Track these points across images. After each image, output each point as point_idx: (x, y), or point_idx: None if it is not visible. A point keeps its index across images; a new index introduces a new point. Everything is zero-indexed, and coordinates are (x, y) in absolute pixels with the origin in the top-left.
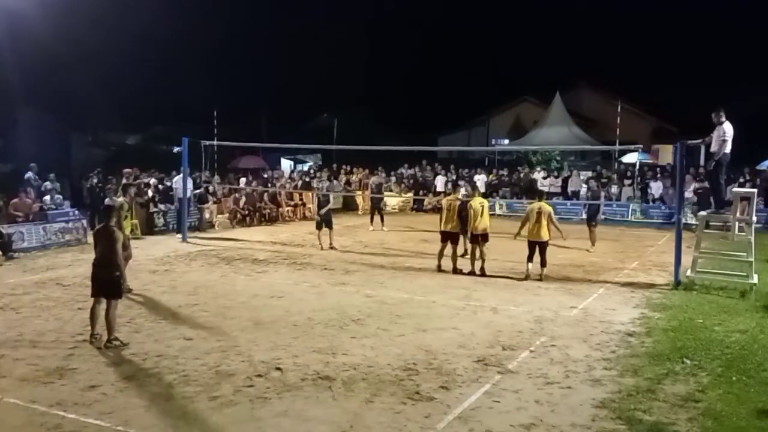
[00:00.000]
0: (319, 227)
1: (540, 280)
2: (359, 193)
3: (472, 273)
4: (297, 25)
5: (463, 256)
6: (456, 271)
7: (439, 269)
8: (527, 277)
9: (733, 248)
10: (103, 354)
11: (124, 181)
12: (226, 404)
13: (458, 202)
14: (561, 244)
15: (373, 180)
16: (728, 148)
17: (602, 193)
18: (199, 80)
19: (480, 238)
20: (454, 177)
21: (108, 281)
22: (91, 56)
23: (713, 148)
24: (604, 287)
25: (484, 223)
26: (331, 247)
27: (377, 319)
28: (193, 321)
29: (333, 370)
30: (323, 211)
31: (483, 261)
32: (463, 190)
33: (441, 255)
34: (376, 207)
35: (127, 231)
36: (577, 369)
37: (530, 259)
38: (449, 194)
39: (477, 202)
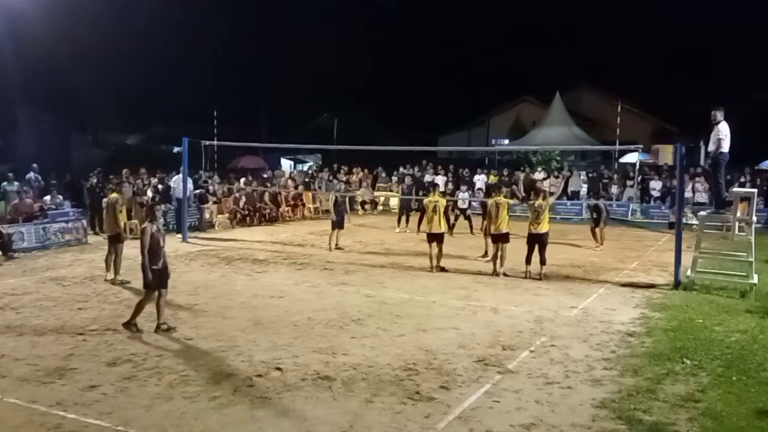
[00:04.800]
0: (334, 227)
1: (540, 279)
2: (359, 192)
3: (495, 273)
4: (297, 25)
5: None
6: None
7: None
8: (527, 276)
9: (733, 248)
10: (103, 354)
11: (120, 179)
12: (226, 404)
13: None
14: (562, 241)
15: (408, 180)
16: (725, 148)
17: (607, 195)
18: (199, 80)
19: (499, 238)
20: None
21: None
22: (91, 56)
23: (710, 147)
24: (604, 287)
25: (502, 222)
26: (338, 247)
27: (377, 319)
28: (193, 321)
29: (333, 370)
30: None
31: (503, 262)
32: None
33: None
34: (407, 208)
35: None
36: (577, 369)
37: (528, 260)
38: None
39: (493, 201)
